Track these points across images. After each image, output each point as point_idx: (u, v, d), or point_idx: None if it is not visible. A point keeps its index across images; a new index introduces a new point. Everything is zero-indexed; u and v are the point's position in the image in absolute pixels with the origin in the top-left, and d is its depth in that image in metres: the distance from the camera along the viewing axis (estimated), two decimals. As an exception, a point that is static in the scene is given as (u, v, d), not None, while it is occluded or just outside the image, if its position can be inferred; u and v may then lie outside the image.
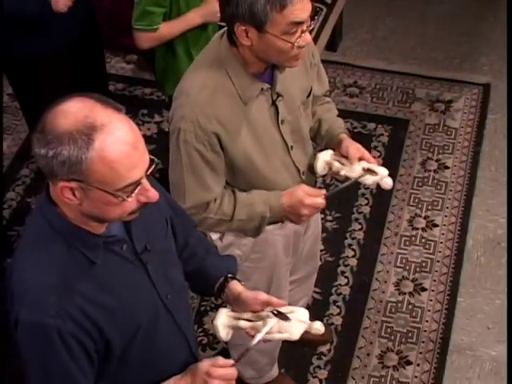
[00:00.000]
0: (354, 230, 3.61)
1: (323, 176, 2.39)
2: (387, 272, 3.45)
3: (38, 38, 3.05)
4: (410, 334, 3.23)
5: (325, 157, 2.33)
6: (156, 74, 3.25)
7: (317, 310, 3.23)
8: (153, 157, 1.56)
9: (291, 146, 2.28)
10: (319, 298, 3.35)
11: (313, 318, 1.93)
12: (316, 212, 2.31)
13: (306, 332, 1.91)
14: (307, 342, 3.11)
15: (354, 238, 3.58)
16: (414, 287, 3.39)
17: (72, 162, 1.47)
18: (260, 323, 1.89)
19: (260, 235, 2.41)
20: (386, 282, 3.41)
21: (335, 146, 2.37)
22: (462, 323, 3.27)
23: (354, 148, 2.30)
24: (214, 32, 2.97)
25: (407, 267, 3.46)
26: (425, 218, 3.64)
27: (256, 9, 1.93)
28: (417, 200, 3.72)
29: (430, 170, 3.85)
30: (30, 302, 1.59)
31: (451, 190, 3.75)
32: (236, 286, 1.97)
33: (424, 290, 3.37)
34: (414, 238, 3.57)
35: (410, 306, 3.32)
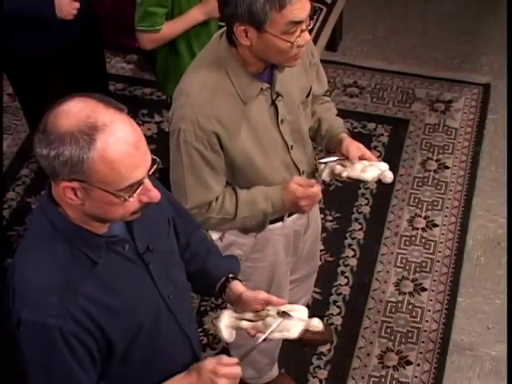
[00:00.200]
0: (354, 229, 3.61)
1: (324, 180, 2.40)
2: (387, 272, 3.45)
3: (39, 36, 3.05)
4: (409, 334, 3.23)
5: (327, 163, 2.33)
6: (157, 75, 3.25)
7: (317, 310, 3.23)
8: (155, 157, 1.56)
9: (291, 146, 2.28)
10: (319, 297, 3.35)
11: (312, 317, 1.94)
12: (313, 201, 2.30)
13: (306, 331, 1.92)
14: (307, 342, 3.11)
15: (354, 238, 3.58)
16: (413, 287, 3.39)
17: (74, 162, 1.47)
18: (260, 323, 1.89)
19: (260, 234, 2.41)
20: (385, 282, 3.41)
21: (335, 145, 2.37)
22: (461, 323, 3.27)
23: (355, 147, 2.30)
24: (216, 29, 2.97)
25: (407, 267, 3.46)
26: (425, 218, 3.64)
27: (255, 9, 1.93)
28: (417, 200, 3.72)
29: (429, 170, 3.85)
30: (32, 301, 1.59)
31: (451, 190, 3.75)
32: (237, 286, 1.97)
33: (424, 290, 3.37)
34: (413, 238, 3.57)
35: (410, 306, 3.32)
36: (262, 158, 2.22)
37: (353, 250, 3.53)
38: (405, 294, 3.37)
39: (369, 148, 2.35)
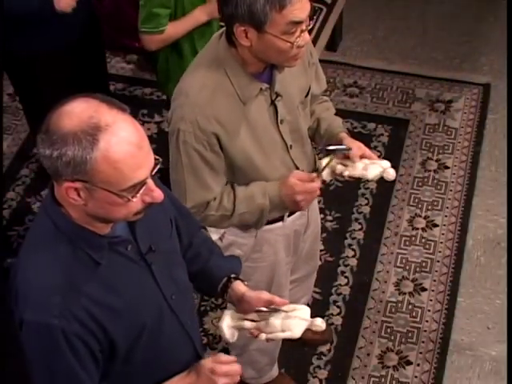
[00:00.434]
0: (354, 230, 3.61)
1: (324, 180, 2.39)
2: (387, 272, 3.45)
3: (39, 36, 3.05)
4: (410, 334, 3.23)
5: (327, 162, 2.33)
6: (158, 75, 3.25)
7: (317, 310, 3.23)
8: (157, 157, 1.56)
9: (290, 146, 2.28)
10: (319, 297, 3.35)
11: (313, 317, 1.94)
12: (312, 197, 2.28)
13: (307, 330, 1.92)
14: (307, 342, 3.11)
15: (354, 238, 3.58)
16: (413, 287, 3.39)
17: (77, 163, 1.47)
18: (263, 323, 1.89)
19: (260, 235, 2.41)
20: (385, 282, 3.41)
21: (335, 145, 2.37)
22: (461, 323, 3.27)
23: (355, 147, 2.30)
24: (218, 29, 2.97)
25: (407, 267, 3.46)
26: (425, 218, 3.64)
27: (255, 9, 1.93)
28: (417, 200, 3.72)
29: (429, 170, 3.85)
30: (35, 302, 1.59)
31: (451, 190, 3.75)
32: (239, 286, 1.98)
33: (424, 289, 3.37)
34: (414, 238, 3.57)
35: (410, 306, 3.32)
36: (262, 158, 2.22)
37: (353, 250, 3.53)
38: (405, 293, 3.37)
39: (369, 148, 2.35)
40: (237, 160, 2.18)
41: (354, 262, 3.49)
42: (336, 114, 2.52)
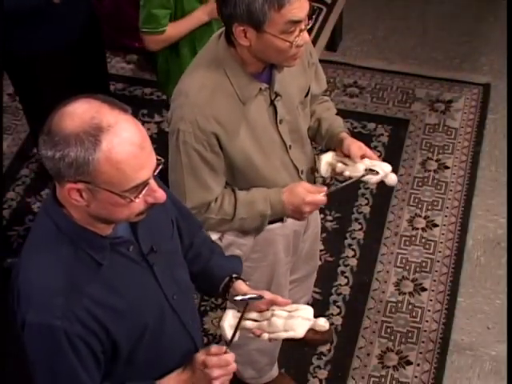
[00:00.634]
0: (354, 230, 3.61)
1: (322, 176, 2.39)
2: (387, 272, 3.45)
3: (39, 36, 3.05)
4: (410, 334, 3.23)
5: (327, 158, 2.33)
6: (158, 75, 3.25)
7: (317, 310, 3.20)
8: (159, 157, 1.56)
9: (290, 146, 2.28)
10: (319, 297, 3.35)
11: (314, 317, 1.94)
12: (317, 208, 2.30)
13: (308, 330, 1.92)
14: (307, 342, 3.11)
15: (354, 238, 3.58)
16: (413, 287, 3.39)
17: (79, 164, 1.47)
18: (265, 323, 1.89)
19: (260, 235, 2.41)
20: (385, 282, 3.41)
21: (336, 145, 2.37)
22: (461, 323, 3.27)
23: (356, 146, 2.30)
24: (218, 29, 2.97)
25: (407, 267, 3.46)
26: (425, 218, 3.64)
27: (254, 8, 1.93)
28: (417, 200, 3.72)
29: (430, 170, 3.85)
30: (37, 303, 1.59)
31: (451, 190, 3.75)
32: (241, 285, 1.98)
33: (424, 290, 3.37)
34: (414, 238, 3.57)
35: (410, 306, 3.32)
36: (262, 158, 2.22)
37: (353, 250, 3.53)
38: (405, 293, 3.37)
39: (369, 148, 2.34)
40: (236, 160, 2.18)
41: (354, 261, 3.49)
42: (336, 114, 2.52)
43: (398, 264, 3.48)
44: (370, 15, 4.71)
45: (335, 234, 3.59)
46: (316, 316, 1.95)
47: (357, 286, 3.40)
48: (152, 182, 1.56)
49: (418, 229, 3.60)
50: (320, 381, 3.14)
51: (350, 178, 2.29)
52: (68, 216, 1.60)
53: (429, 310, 3.30)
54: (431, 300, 3.34)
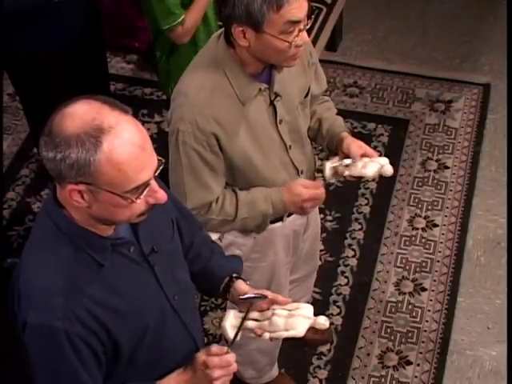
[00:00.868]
0: (354, 230, 3.61)
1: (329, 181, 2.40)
2: (387, 272, 3.45)
3: (39, 36, 3.05)
4: (410, 334, 3.23)
5: (331, 163, 2.33)
6: (159, 75, 3.25)
7: (317, 310, 3.21)
8: (160, 157, 1.56)
9: (290, 146, 2.28)
10: (319, 297, 3.35)
11: (314, 316, 1.94)
12: (319, 202, 2.31)
13: (308, 330, 1.92)
14: (307, 342, 3.11)
15: (354, 238, 3.58)
16: (413, 287, 3.39)
17: (80, 165, 1.47)
18: (266, 322, 1.89)
19: (260, 235, 2.41)
20: (385, 282, 3.41)
21: (336, 144, 2.37)
22: (462, 323, 3.27)
23: (356, 146, 2.30)
24: (217, 29, 2.97)
25: (407, 267, 3.46)
26: (425, 218, 3.64)
27: (253, 9, 1.93)
28: (417, 200, 3.72)
29: (429, 170, 3.85)
30: (37, 303, 1.59)
31: (451, 190, 3.75)
32: (241, 285, 1.98)
33: (424, 289, 3.37)
34: (414, 238, 3.57)
35: (410, 306, 3.32)
36: (261, 158, 2.22)
37: (353, 250, 3.53)
38: (405, 293, 3.37)
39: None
40: (236, 160, 2.18)
41: (354, 261, 3.49)
42: (336, 114, 2.52)
43: (398, 264, 3.48)
44: (370, 15, 4.71)
45: (335, 233, 3.59)
46: (316, 315, 1.95)
47: (357, 286, 3.40)
48: (153, 183, 1.56)
49: (417, 229, 3.60)
50: (320, 381, 3.14)
51: (351, 177, 2.30)
52: (68, 217, 1.60)
53: (429, 310, 3.30)
54: (431, 300, 3.34)
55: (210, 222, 2.25)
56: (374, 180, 3.66)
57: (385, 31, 4.62)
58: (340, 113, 2.55)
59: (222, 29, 2.09)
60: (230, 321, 1.92)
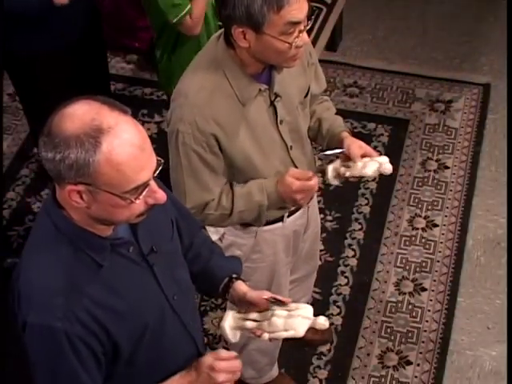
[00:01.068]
0: (354, 230, 3.61)
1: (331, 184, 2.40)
2: (387, 272, 3.45)
3: (39, 36, 3.06)
4: (410, 334, 3.23)
5: (333, 166, 2.33)
6: (159, 75, 3.25)
7: (317, 310, 3.20)
8: (159, 158, 1.56)
9: (290, 146, 2.28)
10: (319, 297, 3.35)
11: (314, 316, 1.94)
12: (310, 194, 2.28)
13: (308, 330, 1.92)
14: (307, 342, 3.11)
15: (354, 238, 3.58)
16: (413, 287, 3.39)
17: (80, 166, 1.47)
18: (265, 323, 1.89)
19: (260, 235, 2.41)
20: (385, 282, 3.41)
21: (337, 144, 2.36)
22: (462, 323, 3.27)
23: (356, 146, 2.29)
24: (217, 29, 2.97)
25: (407, 267, 3.46)
26: (425, 218, 3.64)
27: (253, 10, 1.93)
28: (417, 200, 3.72)
29: (430, 170, 3.85)
30: (37, 303, 1.59)
31: (451, 190, 3.75)
32: (241, 286, 1.98)
33: (424, 289, 3.37)
34: (414, 238, 3.57)
35: (410, 306, 3.32)
36: (262, 159, 2.22)
37: (353, 250, 3.53)
38: (405, 293, 3.37)
39: (369, 147, 2.34)
40: (236, 160, 2.18)
41: (354, 261, 3.49)
42: (336, 114, 2.52)
43: (398, 264, 3.48)
44: (370, 15, 4.71)
45: (335, 233, 3.59)
46: (316, 315, 1.95)
47: (357, 286, 3.40)
48: (152, 183, 1.56)
49: (417, 229, 3.60)
50: (320, 381, 3.14)
51: (352, 176, 2.30)
52: (68, 217, 1.60)
53: (429, 310, 3.30)
54: (431, 300, 3.34)
55: (208, 217, 2.24)
56: (374, 179, 3.66)
57: (385, 31, 4.62)
58: (340, 113, 2.55)
59: (222, 29, 2.09)
60: (229, 321, 1.93)
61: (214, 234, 2.41)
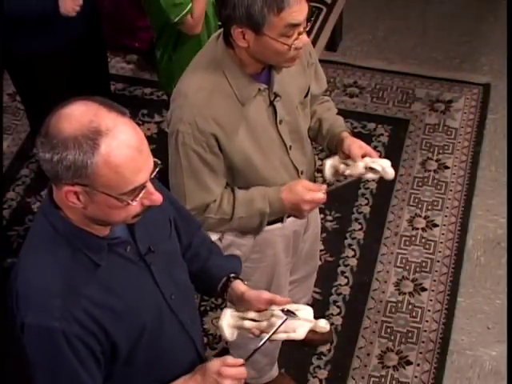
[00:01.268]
0: (354, 230, 3.61)
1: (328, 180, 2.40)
2: (387, 272, 3.45)
3: (39, 36, 3.06)
4: (410, 334, 3.23)
5: (331, 162, 2.33)
6: (159, 75, 3.25)
7: (317, 310, 3.20)
8: (156, 159, 1.56)
9: (290, 146, 2.28)
10: (319, 297, 3.35)
11: (314, 317, 1.94)
12: (316, 206, 2.30)
13: (308, 331, 1.91)
14: (307, 342, 3.11)
15: (354, 238, 3.58)
16: (413, 287, 3.39)
17: (77, 167, 1.47)
18: (264, 323, 1.89)
19: (260, 235, 2.41)
20: (385, 282, 3.41)
21: (337, 144, 2.37)
22: (462, 323, 3.27)
23: (356, 146, 2.29)
24: (217, 29, 2.97)
25: (407, 267, 3.46)
26: (425, 218, 3.64)
27: (253, 11, 1.93)
28: (417, 200, 3.72)
29: (430, 170, 3.85)
30: (35, 304, 1.59)
31: (451, 190, 3.75)
32: (239, 285, 1.97)
33: (424, 289, 3.37)
34: (414, 238, 3.57)
35: (410, 306, 3.32)
36: (261, 159, 2.22)
37: (353, 250, 3.53)
38: (405, 293, 3.37)
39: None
40: (236, 160, 2.18)
41: (354, 261, 3.49)
42: (336, 114, 2.52)
43: (398, 264, 3.48)
44: (370, 15, 4.71)
45: (335, 233, 3.59)
46: (316, 316, 1.95)
47: (357, 286, 3.40)
48: (149, 185, 1.56)
49: (417, 229, 3.60)
50: (320, 381, 3.14)
51: (351, 176, 2.30)
52: (64, 217, 1.60)
53: (429, 310, 3.30)
54: (431, 300, 3.34)
55: (207, 221, 2.24)
56: (374, 180, 3.66)
57: (385, 31, 4.62)
58: (340, 113, 2.55)
59: (221, 29, 2.09)
60: (227, 320, 1.92)
61: (213, 233, 2.41)
